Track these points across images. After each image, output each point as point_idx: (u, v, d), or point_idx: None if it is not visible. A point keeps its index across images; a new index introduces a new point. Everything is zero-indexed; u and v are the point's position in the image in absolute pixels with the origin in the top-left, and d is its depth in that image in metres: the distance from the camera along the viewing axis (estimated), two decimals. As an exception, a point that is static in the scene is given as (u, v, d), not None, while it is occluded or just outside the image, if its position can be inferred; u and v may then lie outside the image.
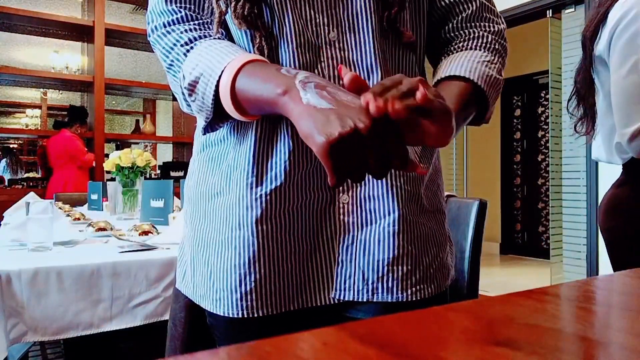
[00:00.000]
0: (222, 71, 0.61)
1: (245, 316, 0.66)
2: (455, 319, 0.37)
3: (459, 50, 0.72)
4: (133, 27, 4.92)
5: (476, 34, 0.73)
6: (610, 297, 0.46)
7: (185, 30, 0.67)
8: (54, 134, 4.64)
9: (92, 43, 4.71)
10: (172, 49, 0.68)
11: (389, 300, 0.67)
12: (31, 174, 5.95)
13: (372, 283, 0.66)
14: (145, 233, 1.49)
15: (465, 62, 0.68)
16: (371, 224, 0.66)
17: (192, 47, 0.66)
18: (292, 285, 0.66)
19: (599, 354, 0.32)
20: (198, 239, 0.73)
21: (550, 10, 3.54)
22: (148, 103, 8.78)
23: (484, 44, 0.72)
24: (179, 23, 0.68)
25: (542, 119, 5.75)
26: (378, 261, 0.66)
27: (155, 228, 1.56)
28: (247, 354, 0.29)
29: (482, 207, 1.12)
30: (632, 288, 0.50)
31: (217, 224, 0.70)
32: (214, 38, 0.67)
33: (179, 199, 2.39)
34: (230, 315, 0.67)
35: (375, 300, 0.66)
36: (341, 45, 0.65)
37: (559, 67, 3.57)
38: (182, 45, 0.67)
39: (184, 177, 4.54)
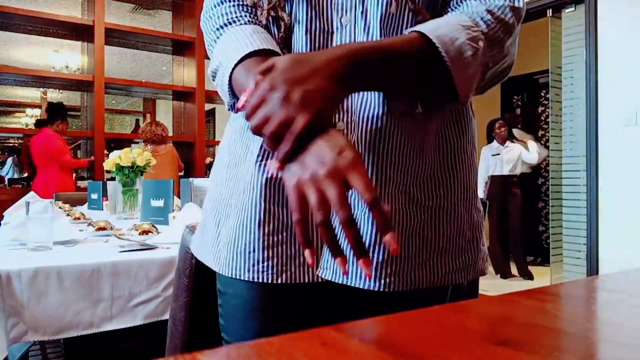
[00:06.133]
0: (237, 63, 0.64)
1: (234, 276, 0.68)
2: (455, 319, 0.37)
3: None
4: (133, 27, 4.91)
5: (469, 4, 0.65)
6: (610, 297, 0.46)
7: (222, 14, 0.71)
8: (35, 132, 4.61)
9: (92, 42, 4.71)
10: (209, 34, 0.73)
11: (360, 287, 0.65)
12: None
13: (348, 267, 0.64)
14: (146, 232, 1.49)
15: (431, 22, 0.61)
16: (356, 208, 0.65)
17: (221, 34, 0.70)
18: (283, 256, 0.67)
19: (599, 354, 0.32)
20: (212, 201, 0.76)
21: (550, 10, 3.54)
22: (148, 103, 8.79)
23: (469, 12, 0.63)
24: (222, 4, 0.72)
25: (542, 118, 5.75)
26: None
27: (156, 227, 1.56)
28: (247, 353, 0.29)
29: (482, 207, 1.12)
30: (632, 287, 0.50)
31: (231, 188, 0.72)
32: (244, 23, 0.70)
33: (179, 198, 2.39)
34: (221, 272, 0.70)
35: (348, 283, 0.65)
36: (351, 30, 0.66)
37: (559, 67, 3.58)
38: (214, 31, 0.71)
39: (184, 176, 4.54)
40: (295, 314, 0.71)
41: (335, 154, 0.50)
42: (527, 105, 5.95)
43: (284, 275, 0.66)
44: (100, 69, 4.65)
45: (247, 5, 0.71)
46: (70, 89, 5.45)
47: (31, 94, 8.44)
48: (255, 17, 0.71)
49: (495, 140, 4.63)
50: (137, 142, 5.67)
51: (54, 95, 7.80)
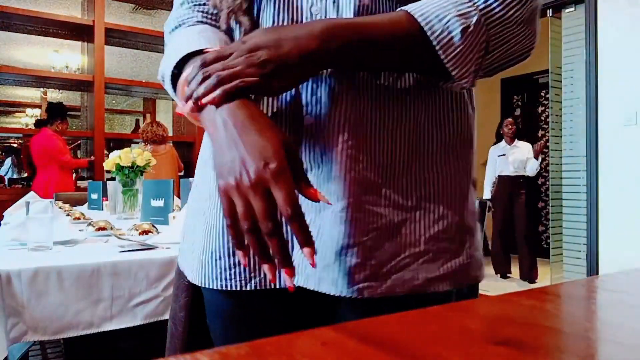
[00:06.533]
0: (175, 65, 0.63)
1: (204, 285, 0.67)
2: (455, 319, 0.37)
3: None
4: (133, 27, 4.91)
5: None
6: (610, 297, 0.46)
7: (176, 17, 0.70)
8: (35, 132, 4.62)
9: (92, 42, 4.71)
10: (165, 37, 0.72)
11: (332, 294, 0.60)
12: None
13: (319, 272, 0.60)
14: (146, 232, 1.49)
15: (422, 1, 0.58)
16: (327, 207, 0.60)
17: (169, 39, 0.69)
18: (251, 262, 0.63)
19: (599, 354, 0.32)
20: (188, 205, 0.75)
21: (551, 10, 3.54)
22: (148, 102, 8.78)
23: None
24: (181, 6, 0.70)
25: (542, 118, 5.75)
26: (327, 248, 0.60)
27: (156, 227, 1.56)
28: (246, 354, 0.29)
29: (482, 207, 1.12)
30: (632, 287, 0.50)
31: (200, 193, 0.71)
32: (193, 24, 0.68)
33: (179, 198, 2.39)
34: (194, 282, 0.69)
35: (320, 290, 0.61)
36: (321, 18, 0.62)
37: (559, 67, 3.58)
38: (167, 35, 0.71)
39: (184, 176, 4.54)
40: (274, 319, 0.68)
41: (260, 164, 0.48)
42: (527, 105, 5.95)
43: (252, 281, 0.64)
44: (100, 69, 4.65)
45: (206, 6, 0.69)
46: (70, 89, 5.45)
47: (31, 94, 8.44)
48: (212, 17, 0.68)
49: (503, 140, 4.63)
50: (137, 142, 5.66)
51: (54, 95, 7.80)
